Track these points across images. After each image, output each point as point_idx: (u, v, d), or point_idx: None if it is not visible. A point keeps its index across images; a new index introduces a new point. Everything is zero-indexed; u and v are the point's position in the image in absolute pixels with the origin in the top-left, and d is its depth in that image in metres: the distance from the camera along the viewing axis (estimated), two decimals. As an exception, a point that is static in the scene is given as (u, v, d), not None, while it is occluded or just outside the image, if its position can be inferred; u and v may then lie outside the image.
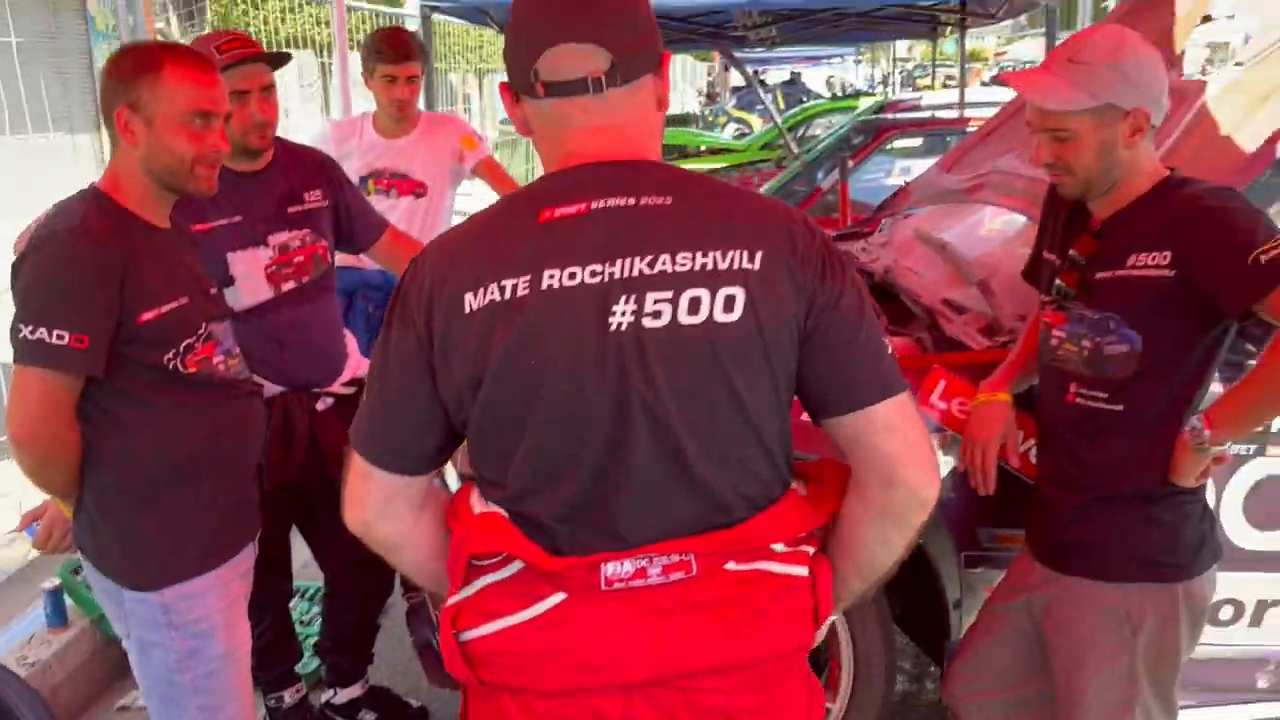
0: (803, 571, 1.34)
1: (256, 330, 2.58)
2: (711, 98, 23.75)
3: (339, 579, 2.91)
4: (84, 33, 11.56)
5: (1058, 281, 1.95)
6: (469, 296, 1.25)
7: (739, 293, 1.22)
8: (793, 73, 21.43)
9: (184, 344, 1.96)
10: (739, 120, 16.89)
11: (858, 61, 33.14)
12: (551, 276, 1.23)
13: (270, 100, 2.56)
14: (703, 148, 12.61)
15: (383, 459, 1.34)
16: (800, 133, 11.82)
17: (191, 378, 1.98)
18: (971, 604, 2.35)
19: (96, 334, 1.82)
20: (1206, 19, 3.03)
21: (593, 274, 1.23)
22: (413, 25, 7.78)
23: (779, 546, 1.33)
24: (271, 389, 2.60)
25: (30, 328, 1.80)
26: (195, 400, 2.00)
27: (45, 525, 2.12)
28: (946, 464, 2.21)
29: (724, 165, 11.03)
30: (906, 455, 1.28)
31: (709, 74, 28.01)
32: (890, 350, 1.30)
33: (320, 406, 2.70)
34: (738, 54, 10.83)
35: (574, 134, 1.30)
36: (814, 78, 24.90)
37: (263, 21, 10.90)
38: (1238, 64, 2.69)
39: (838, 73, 28.41)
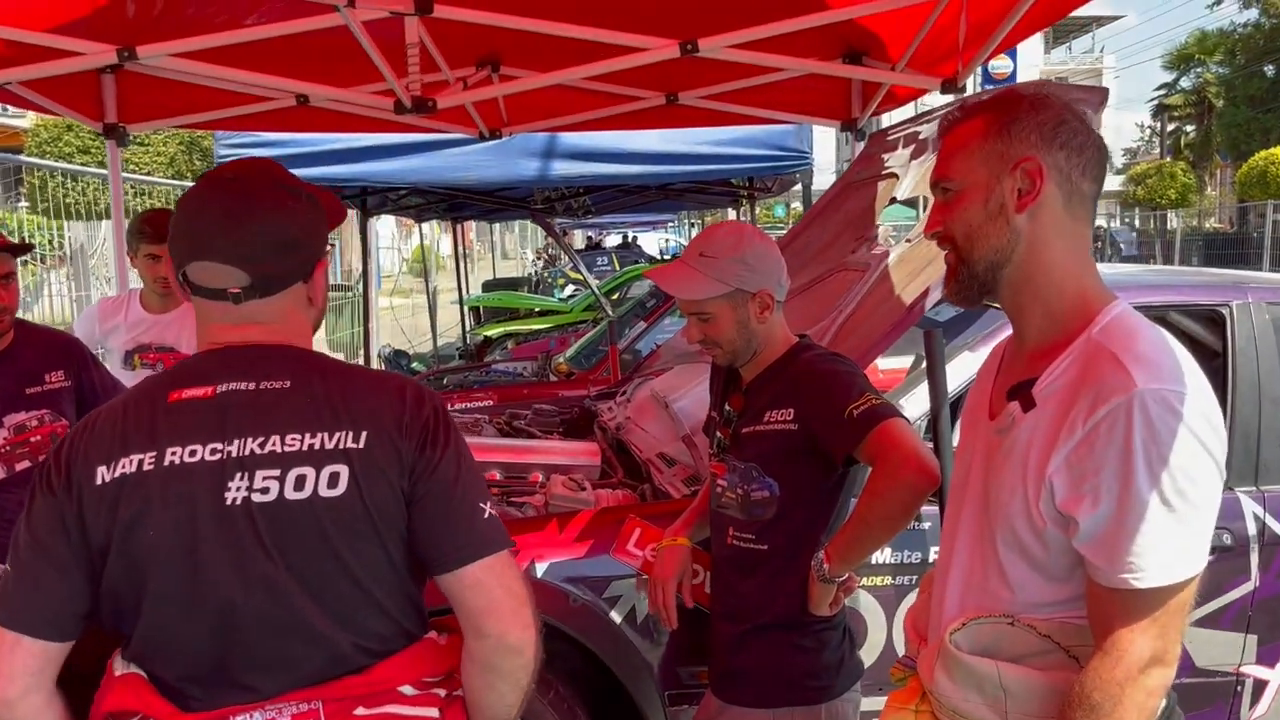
0: (433, 713, 1.46)
1: (-13, 509, 2.59)
2: (550, 261, 24.48)
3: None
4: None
5: (718, 434, 2.22)
6: (101, 469, 1.36)
7: (343, 470, 1.37)
8: (625, 236, 22.38)
9: None
10: (576, 282, 17.50)
11: (693, 225, 34.92)
12: (174, 453, 1.37)
13: (9, 287, 2.65)
14: (536, 309, 13.00)
15: (31, 626, 1.37)
16: (623, 294, 12.32)
17: None
18: (680, 742, 2.49)
19: None
20: (893, 200, 3.49)
21: (212, 451, 1.37)
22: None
23: (408, 689, 1.45)
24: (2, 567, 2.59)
25: None
26: None
27: None
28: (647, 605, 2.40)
29: (549, 325, 11.38)
30: (490, 609, 1.42)
31: (546, 238, 28.94)
32: (487, 514, 1.45)
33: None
34: (563, 221, 11.31)
35: (214, 326, 1.47)
36: (650, 240, 26.11)
37: (80, 193, 10.88)
38: (908, 240, 3.12)
39: (673, 235, 29.81)
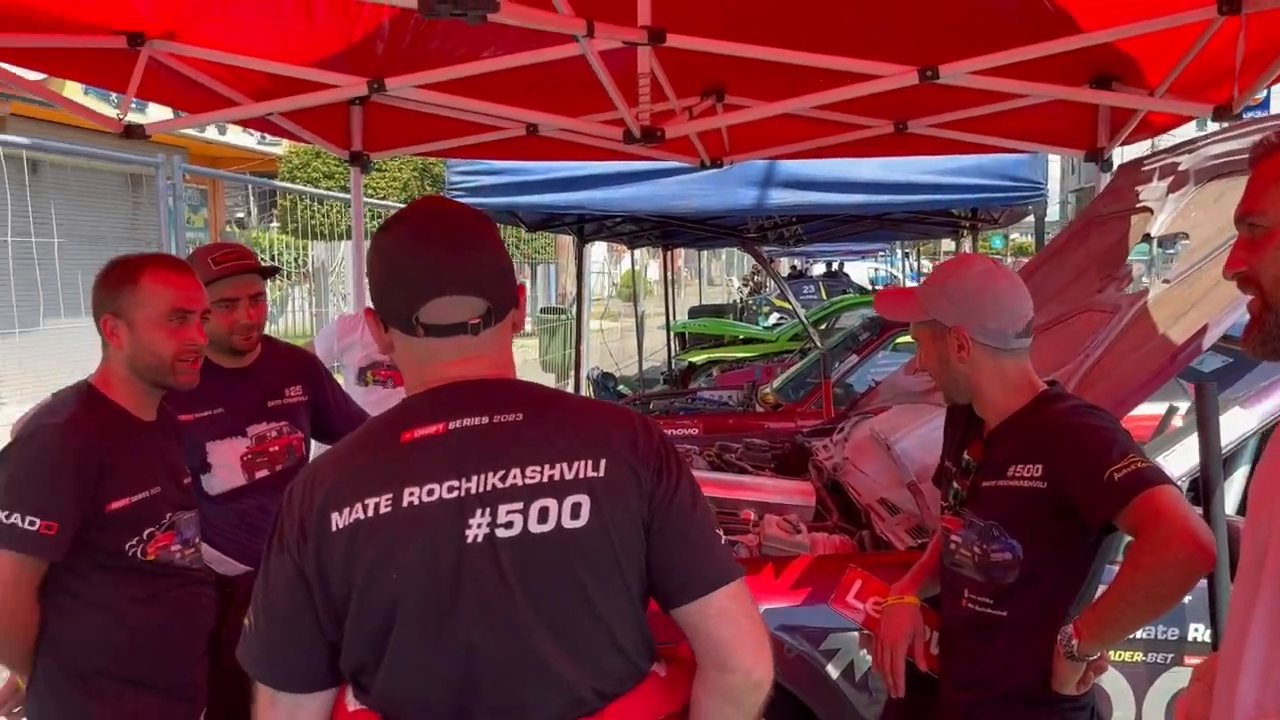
0: None
1: (228, 513, 2.75)
2: (756, 288, 24.40)
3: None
4: (158, 224, 12.51)
5: (954, 486, 2.06)
6: (335, 516, 1.34)
7: (585, 499, 1.34)
8: (829, 265, 22.02)
9: (147, 532, 2.11)
10: (783, 310, 17.34)
11: (906, 255, 33.97)
12: (411, 494, 1.33)
13: (258, 306, 2.81)
14: (740, 337, 12.96)
15: (280, 681, 1.39)
16: (831, 324, 12.09)
17: (149, 565, 2.12)
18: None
19: (66, 522, 1.98)
20: (1147, 237, 3.21)
21: (449, 489, 1.34)
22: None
23: None
24: (237, 568, 2.75)
25: (5, 514, 1.96)
26: (149, 587, 2.13)
27: (2, 691, 2.23)
28: (867, 661, 2.27)
29: (754, 354, 11.28)
30: (738, 640, 1.37)
31: (752, 265, 28.89)
32: (723, 539, 1.41)
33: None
34: (771, 249, 11.17)
35: (441, 364, 1.43)
36: (859, 269, 25.58)
37: (324, 215, 11.73)
38: (1165, 281, 2.85)
39: (883, 265, 29.12)
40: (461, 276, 1.41)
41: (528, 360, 14.74)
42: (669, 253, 11.82)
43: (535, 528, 1.33)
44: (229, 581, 2.77)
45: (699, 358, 11.72)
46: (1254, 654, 1.32)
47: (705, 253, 26.65)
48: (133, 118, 3.11)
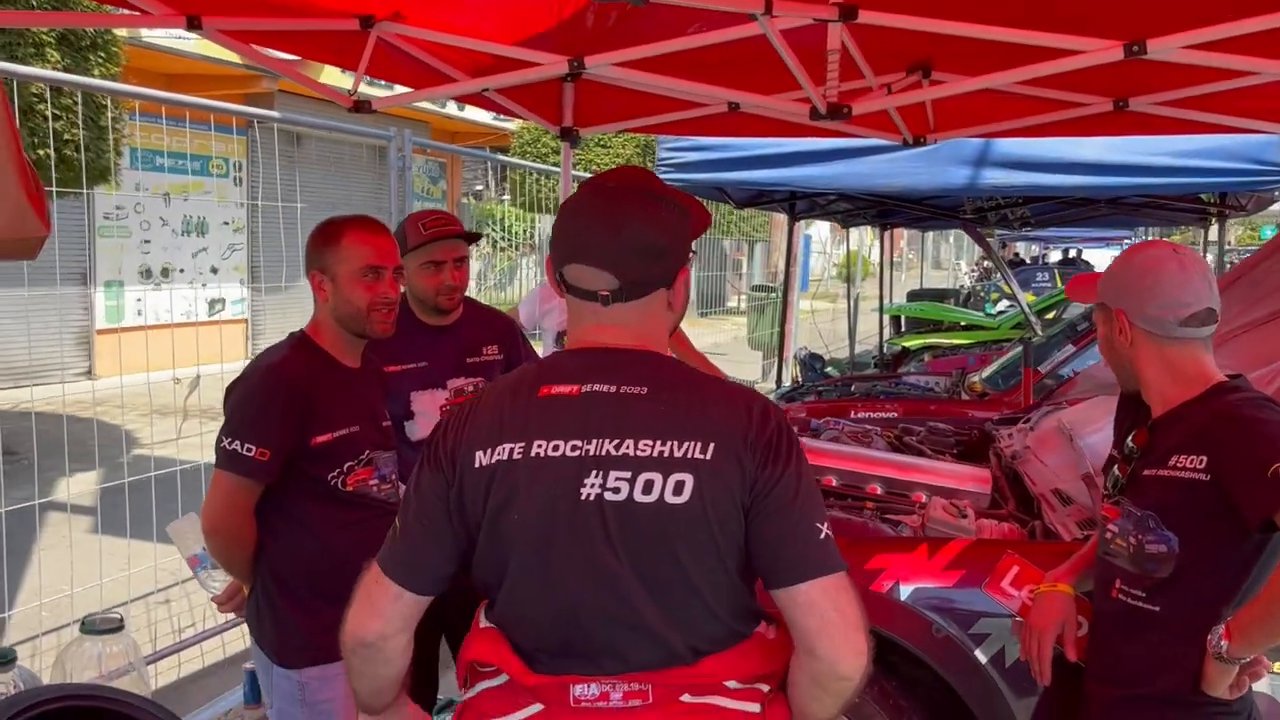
0: (754, 708, 1.49)
1: (427, 458, 3.02)
2: (985, 274, 23.39)
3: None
4: (402, 194, 13.44)
5: (1115, 472, 2.00)
6: (480, 454, 1.52)
7: (689, 479, 1.43)
8: (1066, 252, 20.80)
9: (346, 465, 2.37)
10: (1010, 297, 16.58)
11: (1161, 242, 31.42)
12: (539, 446, 1.48)
13: (462, 269, 3.05)
14: (961, 323, 12.52)
15: (412, 582, 1.57)
16: (1059, 313, 11.48)
17: (349, 495, 2.37)
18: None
19: (277, 450, 2.26)
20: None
21: (573, 448, 1.47)
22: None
23: (732, 683, 1.49)
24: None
25: (229, 440, 2.27)
26: (348, 515, 2.38)
27: (228, 592, 2.57)
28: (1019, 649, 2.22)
29: (971, 341, 10.90)
30: (822, 632, 1.41)
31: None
32: (823, 534, 1.45)
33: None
34: (1003, 233, 10.66)
35: (585, 326, 1.58)
36: (1101, 257, 24.02)
37: (550, 189, 12.22)
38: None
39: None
40: (596, 249, 1.53)
41: (737, 338, 14.83)
42: (885, 233, 11.55)
43: (640, 497, 1.43)
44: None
45: (913, 343, 11.43)
46: None
47: (931, 235, 25.77)
48: (374, 92, 3.42)
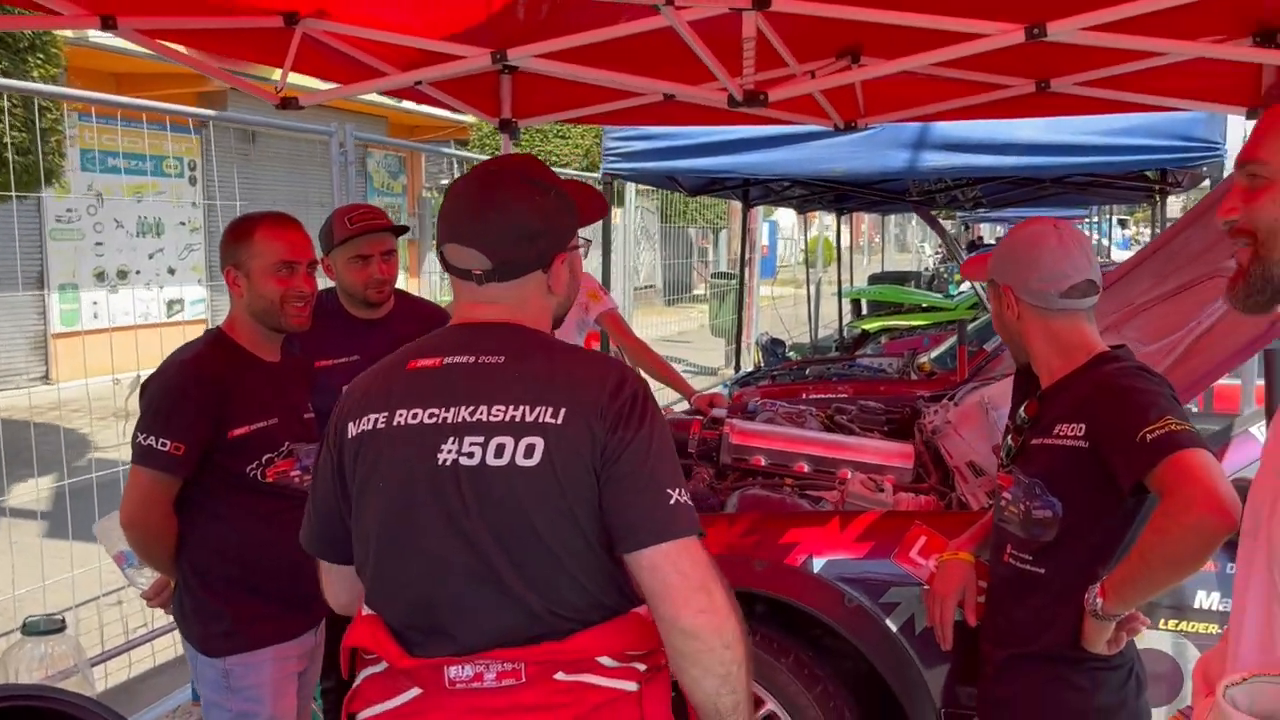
0: (631, 687, 1.52)
1: (359, 450, 3.05)
2: (949, 255, 23.62)
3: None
4: (362, 190, 13.41)
5: (1009, 441, 2.08)
6: (350, 425, 1.59)
7: (539, 442, 1.47)
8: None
9: (265, 457, 2.40)
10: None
11: (1122, 221, 31.79)
12: (401, 415, 1.54)
13: (390, 262, 3.08)
14: (923, 305, 12.67)
15: (332, 555, 1.67)
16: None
17: (268, 487, 2.40)
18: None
19: (192, 444, 2.29)
20: None
21: (431, 416, 1.53)
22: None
23: (607, 660, 1.52)
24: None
25: (144, 435, 2.30)
26: (268, 506, 2.41)
27: (154, 587, 2.60)
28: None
29: (927, 322, 11.04)
30: (665, 593, 1.45)
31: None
32: (674, 500, 1.47)
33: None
34: (965, 215, 10.70)
35: (462, 303, 1.66)
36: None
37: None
38: None
39: (1089, 231, 27.54)
40: (469, 230, 1.59)
41: (703, 325, 14.90)
42: (842, 218, 11.65)
43: (492, 461, 1.48)
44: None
45: (872, 325, 11.56)
46: (1250, 616, 1.32)
47: (895, 218, 25.95)
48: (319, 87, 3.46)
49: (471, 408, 1.51)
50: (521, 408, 1.49)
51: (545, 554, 1.49)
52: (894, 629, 2.37)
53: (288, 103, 3.35)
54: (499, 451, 1.48)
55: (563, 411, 1.48)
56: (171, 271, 12.56)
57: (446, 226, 1.62)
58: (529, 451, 1.47)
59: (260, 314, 2.42)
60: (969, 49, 2.90)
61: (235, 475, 2.37)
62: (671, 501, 1.48)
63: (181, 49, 3.22)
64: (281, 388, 2.50)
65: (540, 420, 1.48)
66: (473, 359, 1.56)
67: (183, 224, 12.83)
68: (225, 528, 2.39)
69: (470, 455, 1.49)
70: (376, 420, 1.56)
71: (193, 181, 12.98)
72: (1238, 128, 5.17)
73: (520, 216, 1.59)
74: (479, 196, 1.60)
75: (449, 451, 1.50)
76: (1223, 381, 3.60)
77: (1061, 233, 2.00)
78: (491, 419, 1.49)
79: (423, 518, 1.51)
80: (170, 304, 12.10)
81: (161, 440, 2.27)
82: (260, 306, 2.41)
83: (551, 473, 1.47)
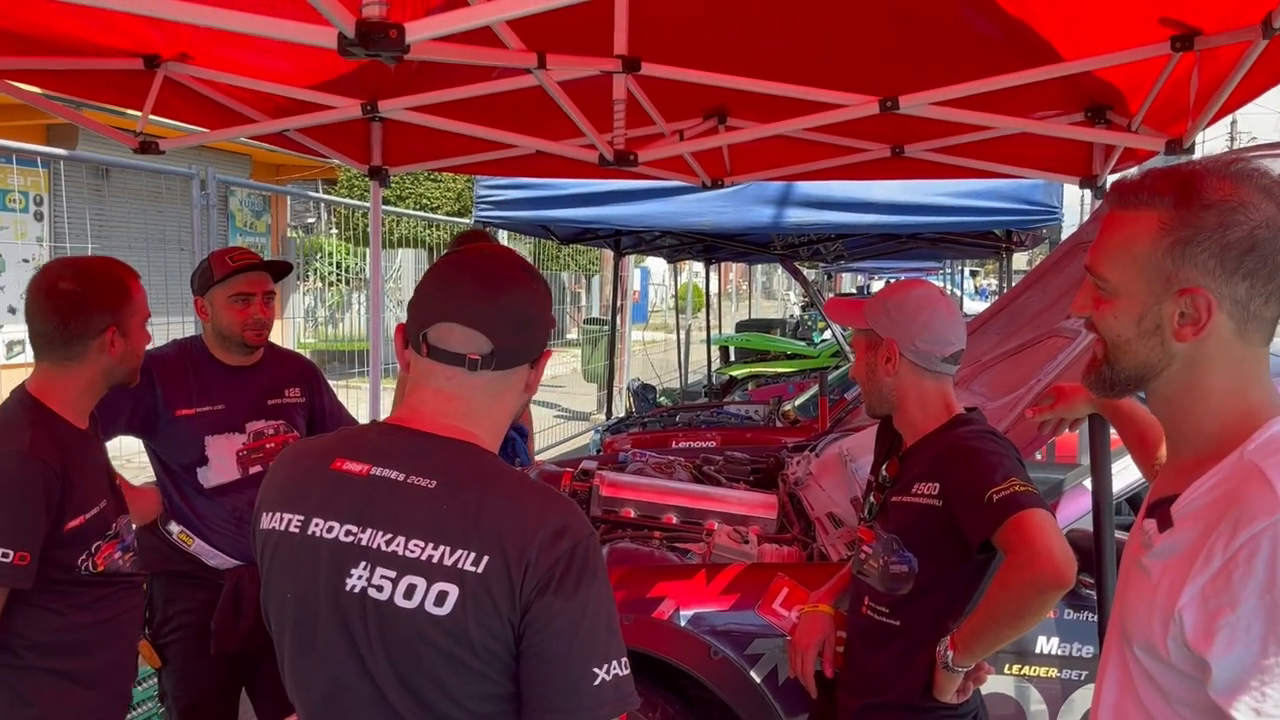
0: None
1: (219, 507, 2.94)
2: (811, 303, 24.37)
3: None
4: (225, 230, 12.99)
5: (870, 500, 2.17)
6: (265, 516, 1.46)
7: (453, 591, 1.32)
8: (887, 282, 21.97)
9: (95, 545, 2.17)
10: (828, 325, 17.34)
11: (974, 273, 33.44)
12: (316, 526, 1.41)
13: (269, 304, 2.99)
14: (788, 353, 13.02)
15: None
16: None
17: (97, 576, 2.17)
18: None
19: (35, 551, 2.02)
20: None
21: (346, 533, 1.39)
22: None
23: None
24: (227, 561, 2.93)
25: None
26: (90, 596, 2.19)
27: None
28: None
29: (793, 370, 11.35)
30: None
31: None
32: (599, 680, 1.32)
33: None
34: (829, 266, 11.08)
35: (424, 391, 1.46)
36: (919, 288, 25.38)
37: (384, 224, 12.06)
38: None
39: (944, 284, 28.86)
40: (473, 312, 1.43)
41: (576, 370, 14.93)
42: (711, 266, 11.93)
43: (400, 601, 1.34)
44: (218, 575, 2.95)
45: (740, 372, 11.82)
46: (1108, 676, 1.36)
47: (761, 267, 26.66)
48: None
49: (389, 536, 1.37)
50: (441, 548, 1.34)
51: (452, 706, 1.36)
52: (758, 680, 2.42)
53: (147, 146, 3.26)
54: (409, 593, 1.34)
55: (485, 560, 1.33)
56: (13, 311, 11.87)
57: (440, 304, 1.44)
58: (440, 599, 1.33)
59: (125, 374, 2.27)
60: (829, 118, 3.05)
61: (64, 569, 2.11)
62: (596, 683, 1.32)
63: (35, 90, 3.10)
64: (98, 459, 2.28)
65: (459, 566, 1.33)
66: (402, 477, 1.40)
67: (26, 261, 12.15)
68: (48, 618, 2.14)
69: (379, 589, 1.36)
70: (291, 522, 1.43)
71: (38, 217, 12.34)
72: (1074, 194, 5.56)
73: (525, 304, 1.47)
74: (485, 276, 1.45)
75: (358, 578, 1.37)
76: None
77: (947, 299, 2.12)
78: (407, 554, 1.35)
79: (324, 637, 1.39)
80: (10, 345, 11.43)
81: (3, 550, 1.98)
82: (130, 366, 2.26)
83: (462, 626, 1.32)
